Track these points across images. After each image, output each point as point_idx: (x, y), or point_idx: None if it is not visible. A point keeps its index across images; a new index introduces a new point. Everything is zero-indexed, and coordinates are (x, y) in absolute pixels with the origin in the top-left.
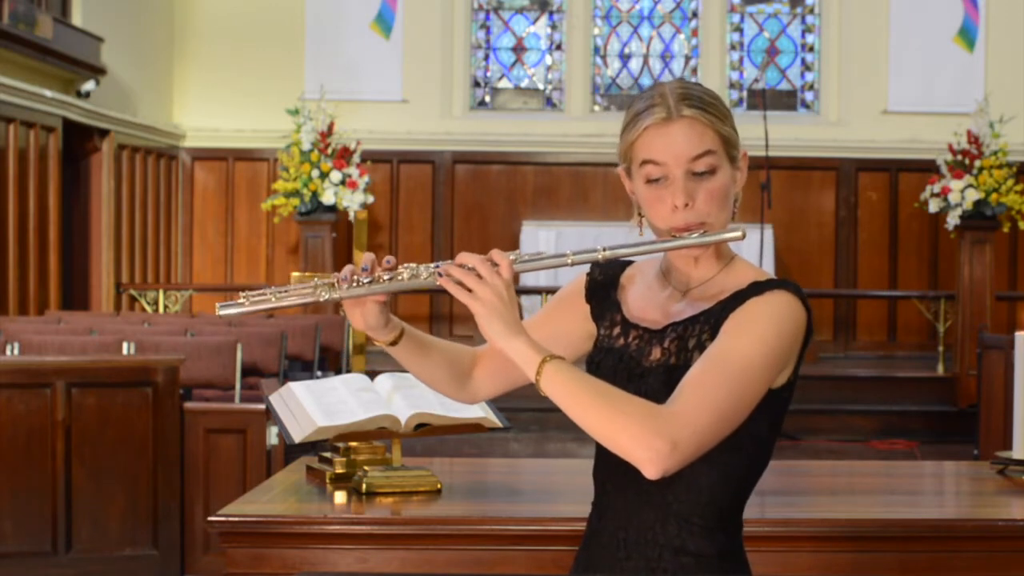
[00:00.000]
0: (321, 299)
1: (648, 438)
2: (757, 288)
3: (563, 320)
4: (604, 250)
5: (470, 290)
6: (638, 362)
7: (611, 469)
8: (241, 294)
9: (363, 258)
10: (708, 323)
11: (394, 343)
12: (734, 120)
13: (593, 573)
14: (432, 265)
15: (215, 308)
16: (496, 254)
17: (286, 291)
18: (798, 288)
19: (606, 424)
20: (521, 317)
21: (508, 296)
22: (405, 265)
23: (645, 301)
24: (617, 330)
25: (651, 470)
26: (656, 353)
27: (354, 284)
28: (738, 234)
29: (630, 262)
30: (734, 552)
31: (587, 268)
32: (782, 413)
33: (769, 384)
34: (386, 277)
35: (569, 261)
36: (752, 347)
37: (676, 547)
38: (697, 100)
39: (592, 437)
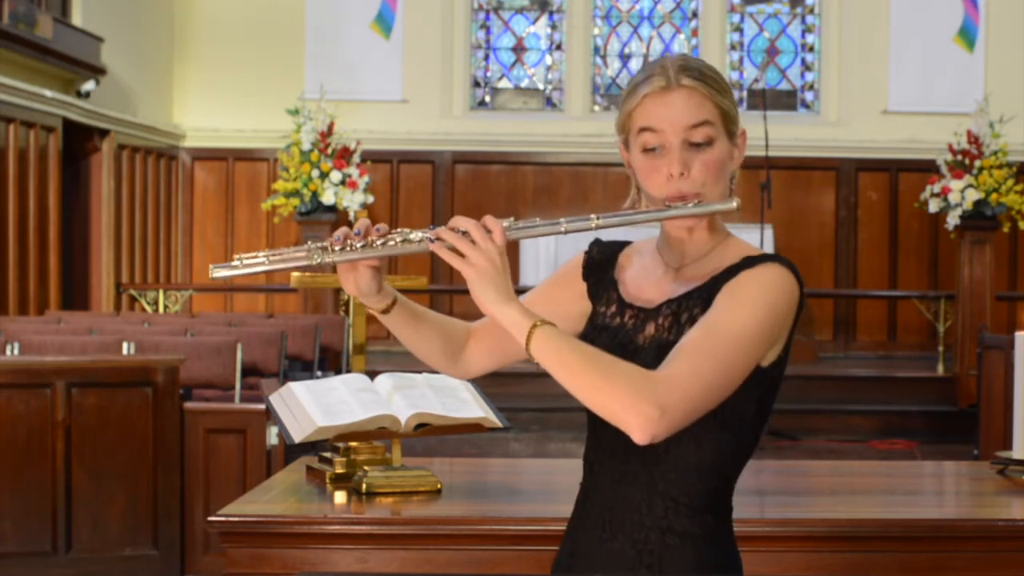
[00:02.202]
0: (315, 262)
1: (637, 402)
2: (750, 261)
3: (560, 298)
4: (598, 218)
5: (463, 255)
6: (632, 339)
7: (599, 450)
8: (235, 256)
9: (357, 223)
10: (701, 297)
11: (387, 311)
12: (734, 97)
13: (578, 555)
14: (425, 230)
15: (209, 270)
16: (489, 220)
17: (280, 254)
18: (791, 263)
19: (595, 389)
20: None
21: (501, 262)
22: (398, 230)
23: (641, 280)
24: (613, 308)
25: (639, 435)
26: (650, 329)
27: (347, 248)
28: (732, 204)
29: (628, 242)
30: (722, 535)
31: (585, 247)
32: (771, 393)
33: (760, 356)
34: (379, 242)
35: (563, 229)
36: (743, 317)
37: (663, 527)
38: (697, 72)
39: (581, 402)
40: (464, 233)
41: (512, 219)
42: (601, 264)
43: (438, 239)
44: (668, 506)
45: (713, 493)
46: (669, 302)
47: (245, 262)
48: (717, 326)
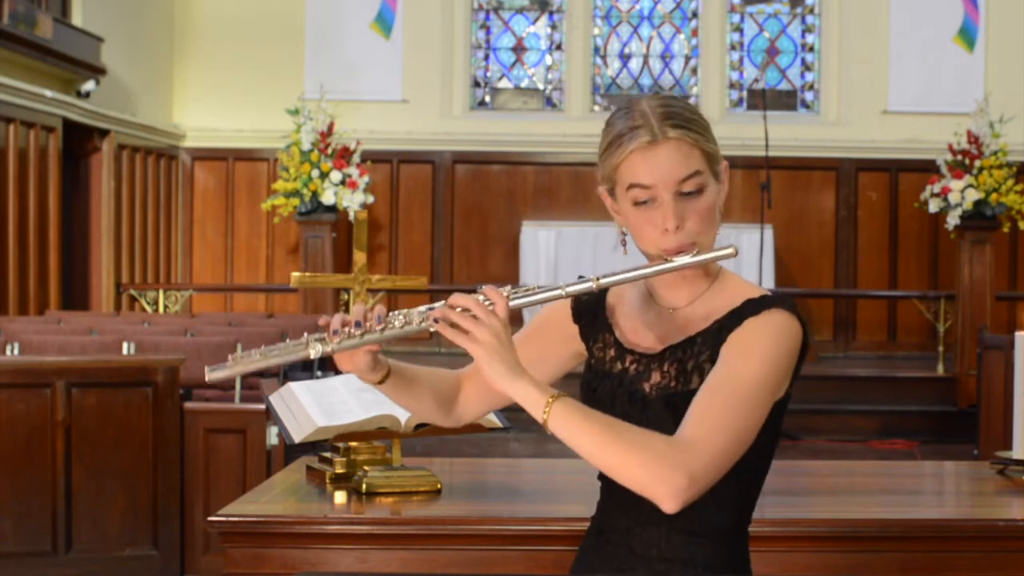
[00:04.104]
0: (312, 355)
1: (665, 472)
2: (753, 307)
3: (549, 340)
4: (599, 279)
5: (467, 332)
6: (637, 386)
7: (613, 486)
8: (230, 356)
9: (354, 312)
10: (706, 345)
11: (382, 381)
12: (712, 131)
13: None
14: (424, 308)
15: (205, 373)
16: (490, 291)
17: (276, 349)
18: (792, 304)
19: (620, 461)
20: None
21: (505, 335)
22: (395, 312)
23: (636, 323)
24: (612, 353)
25: (669, 504)
26: (655, 377)
27: (346, 336)
28: (730, 251)
29: None
30: (741, 563)
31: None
32: (780, 423)
33: (773, 402)
34: (378, 327)
35: (563, 293)
36: (756, 369)
37: (684, 560)
38: (680, 119)
39: (605, 472)
40: (465, 310)
41: (510, 287)
42: (590, 305)
43: (442, 319)
44: (687, 540)
45: (731, 522)
46: (672, 348)
47: (241, 361)
48: (731, 380)
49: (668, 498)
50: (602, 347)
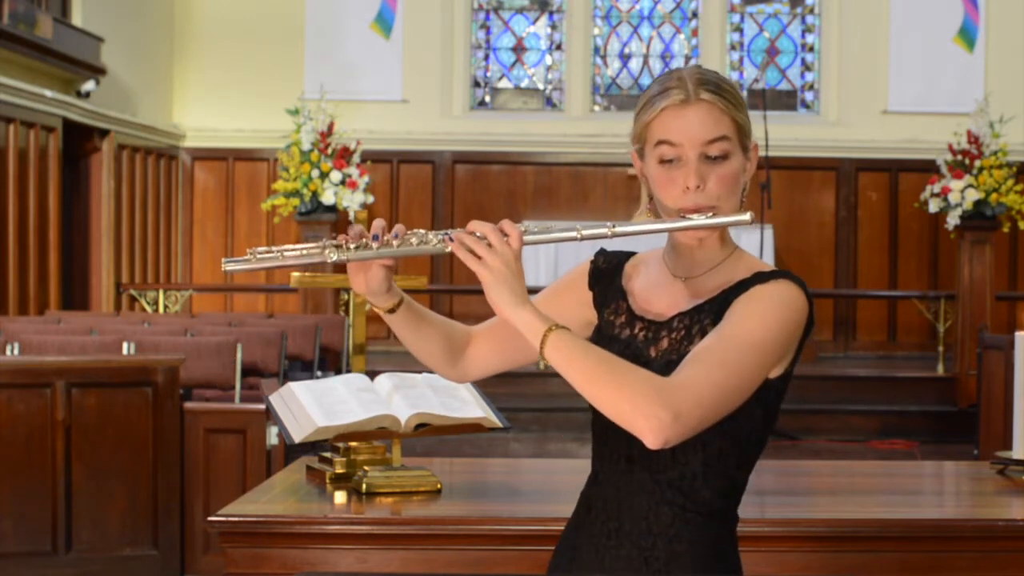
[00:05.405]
0: (329, 259)
1: (650, 407)
2: (762, 277)
3: (564, 304)
4: (614, 227)
5: (479, 257)
6: (643, 351)
7: (605, 459)
8: (248, 250)
9: (374, 225)
10: (712, 312)
11: (392, 310)
12: (747, 110)
13: (580, 561)
14: (442, 232)
15: (221, 263)
16: (507, 224)
17: (294, 249)
18: (802, 281)
19: (609, 393)
20: None
21: (516, 266)
22: (413, 231)
23: (650, 292)
24: (623, 319)
25: (652, 439)
26: (663, 343)
27: (362, 247)
28: (746, 217)
29: (633, 252)
30: (728, 544)
31: (591, 255)
32: (776, 405)
33: (769, 368)
34: (395, 242)
35: (579, 236)
36: (755, 329)
37: (669, 535)
38: (715, 85)
39: (594, 406)
40: (481, 237)
41: (529, 224)
42: (607, 273)
43: (456, 240)
44: (675, 514)
45: (720, 501)
46: (680, 315)
47: (258, 256)
48: (730, 335)
49: (651, 432)
50: (613, 312)
